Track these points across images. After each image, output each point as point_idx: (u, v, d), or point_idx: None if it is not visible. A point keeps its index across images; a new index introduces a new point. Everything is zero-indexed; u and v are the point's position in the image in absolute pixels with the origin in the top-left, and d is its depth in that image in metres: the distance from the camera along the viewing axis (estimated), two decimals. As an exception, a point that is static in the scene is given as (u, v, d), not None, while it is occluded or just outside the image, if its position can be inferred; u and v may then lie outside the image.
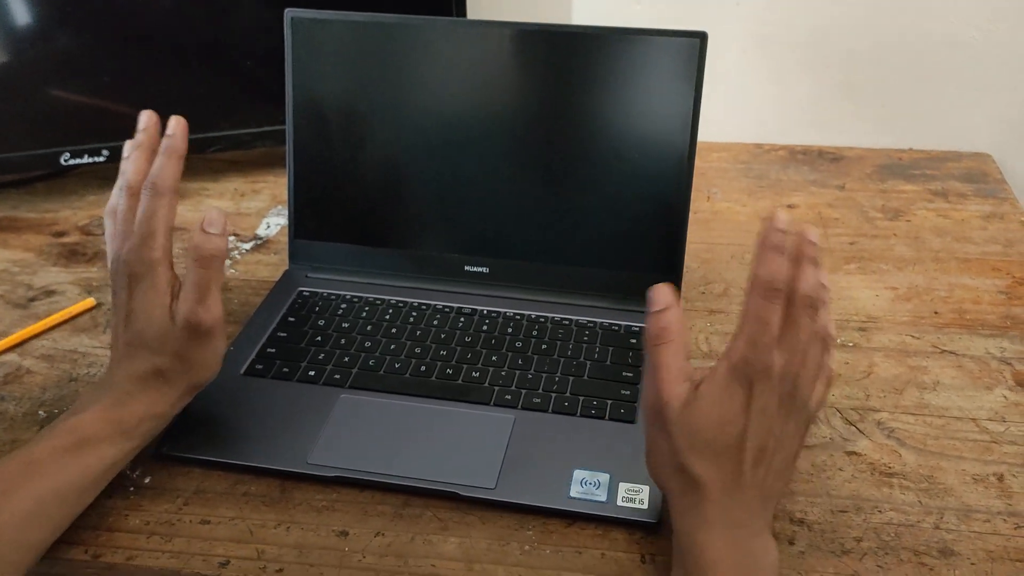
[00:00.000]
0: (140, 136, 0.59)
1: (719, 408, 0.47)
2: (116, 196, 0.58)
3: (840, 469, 0.58)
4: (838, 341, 0.70)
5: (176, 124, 0.58)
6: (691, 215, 0.69)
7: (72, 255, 0.84)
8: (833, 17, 0.95)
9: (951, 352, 0.69)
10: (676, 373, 0.48)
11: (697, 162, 0.68)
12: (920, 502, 0.56)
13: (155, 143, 0.59)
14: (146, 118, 0.60)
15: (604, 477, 0.56)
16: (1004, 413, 0.63)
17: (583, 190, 0.70)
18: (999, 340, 0.70)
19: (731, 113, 1.01)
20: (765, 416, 0.47)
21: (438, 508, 0.56)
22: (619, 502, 0.54)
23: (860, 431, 0.61)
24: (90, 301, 0.76)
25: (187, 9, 0.85)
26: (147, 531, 0.55)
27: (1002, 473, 0.58)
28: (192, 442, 0.59)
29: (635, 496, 0.55)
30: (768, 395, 0.47)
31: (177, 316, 0.54)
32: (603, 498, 0.55)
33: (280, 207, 0.90)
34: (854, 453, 0.60)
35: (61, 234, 0.87)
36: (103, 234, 0.86)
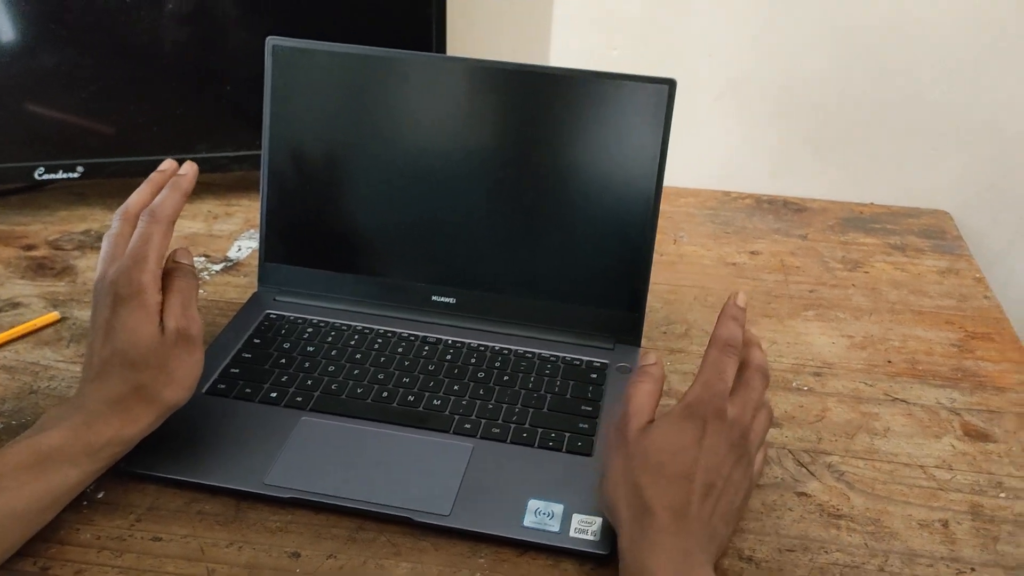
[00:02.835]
0: (154, 175, 0.62)
1: (674, 437, 0.51)
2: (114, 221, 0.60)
3: (790, 509, 0.59)
4: (793, 384, 0.71)
5: (189, 166, 0.62)
6: (658, 257, 0.71)
7: (40, 269, 0.84)
8: (802, 73, 0.98)
9: (902, 400, 0.70)
10: (644, 405, 0.55)
11: (666, 206, 0.70)
12: (866, 544, 0.57)
13: (165, 183, 0.61)
14: (167, 163, 0.63)
15: (558, 508, 0.57)
16: (951, 461, 0.64)
17: (551, 226, 0.71)
18: (949, 391, 0.72)
19: (701, 160, 1.04)
20: (715, 454, 0.51)
21: (392, 533, 0.56)
22: (571, 533, 0.55)
23: (811, 473, 0.63)
24: (54, 315, 0.76)
25: (170, 31, 0.86)
26: (98, 546, 0.55)
27: (947, 520, 0.59)
28: (149, 459, 0.59)
29: (587, 528, 0.55)
30: (719, 436, 0.51)
31: (167, 327, 0.56)
32: (556, 528, 0.55)
33: (252, 231, 0.91)
34: (804, 494, 0.61)
35: (30, 247, 0.87)
36: (73, 249, 0.87)
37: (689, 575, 0.47)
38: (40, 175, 0.88)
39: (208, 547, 0.55)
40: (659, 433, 0.52)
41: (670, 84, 0.67)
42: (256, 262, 0.77)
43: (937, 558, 0.56)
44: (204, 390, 0.65)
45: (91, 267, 0.84)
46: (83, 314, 0.77)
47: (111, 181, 0.91)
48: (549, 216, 0.71)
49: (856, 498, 0.61)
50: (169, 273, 0.58)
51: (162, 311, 0.57)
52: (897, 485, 0.62)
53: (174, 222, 0.59)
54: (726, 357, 0.54)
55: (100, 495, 0.58)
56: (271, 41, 0.71)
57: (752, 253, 0.91)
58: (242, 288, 0.81)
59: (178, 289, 0.58)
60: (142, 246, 0.57)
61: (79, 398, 0.56)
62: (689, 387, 0.53)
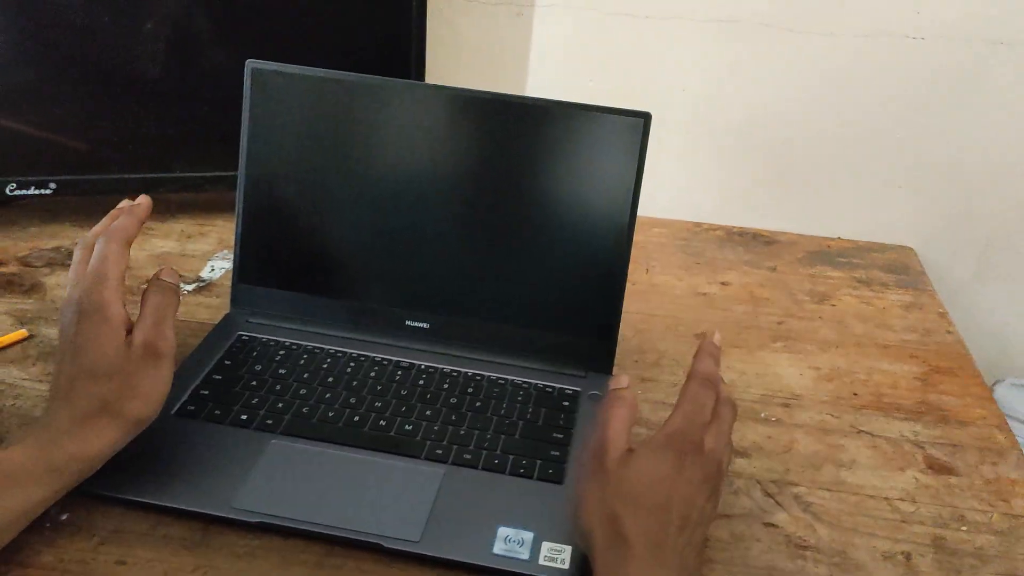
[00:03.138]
0: (112, 211, 0.63)
1: (653, 468, 0.51)
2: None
3: (757, 540, 0.60)
4: (762, 415, 0.72)
5: (144, 198, 0.64)
6: (629, 286, 0.71)
7: (8, 285, 0.83)
8: (770, 110, 1.00)
9: (868, 433, 0.71)
10: (621, 433, 0.55)
11: (638, 236, 0.71)
12: (831, 576, 0.58)
13: None
14: (124, 202, 0.64)
15: (528, 535, 0.57)
16: (915, 494, 0.65)
17: (526, 254, 0.72)
18: (913, 424, 0.73)
19: (674, 192, 1.05)
20: (692, 486, 0.51)
21: (361, 560, 0.56)
22: (541, 561, 0.55)
23: (778, 503, 0.63)
24: (22, 332, 0.75)
25: (146, 49, 0.86)
26: (60, 568, 0.54)
27: (910, 552, 0.60)
28: (114, 480, 0.58)
29: (557, 556, 0.55)
30: (697, 468, 0.52)
31: (135, 339, 0.56)
32: (525, 556, 0.55)
33: (226, 251, 0.91)
34: (771, 525, 0.61)
35: (-2, 263, 0.86)
36: (42, 266, 0.86)
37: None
38: (11, 191, 0.87)
39: (173, 572, 0.54)
40: (639, 463, 0.52)
41: (645, 117, 0.68)
42: (229, 283, 0.77)
43: (900, 590, 0.57)
44: (173, 411, 0.65)
45: (60, 284, 0.83)
46: (51, 331, 0.76)
47: (83, 199, 0.90)
48: (524, 244, 0.72)
49: (822, 529, 0.61)
50: (148, 289, 0.59)
51: (135, 326, 0.57)
52: (862, 517, 0.63)
53: (130, 242, 0.60)
54: (705, 391, 0.55)
55: (64, 516, 0.57)
56: (251, 64, 0.72)
57: (722, 284, 0.92)
58: (214, 309, 0.81)
59: (153, 304, 0.58)
60: (100, 264, 0.58)
61: (45, 417, 0.55)
62: (668, 418, 0.54)
